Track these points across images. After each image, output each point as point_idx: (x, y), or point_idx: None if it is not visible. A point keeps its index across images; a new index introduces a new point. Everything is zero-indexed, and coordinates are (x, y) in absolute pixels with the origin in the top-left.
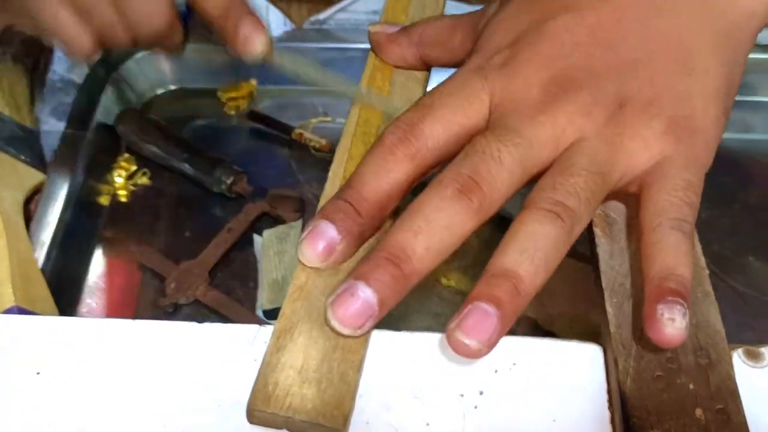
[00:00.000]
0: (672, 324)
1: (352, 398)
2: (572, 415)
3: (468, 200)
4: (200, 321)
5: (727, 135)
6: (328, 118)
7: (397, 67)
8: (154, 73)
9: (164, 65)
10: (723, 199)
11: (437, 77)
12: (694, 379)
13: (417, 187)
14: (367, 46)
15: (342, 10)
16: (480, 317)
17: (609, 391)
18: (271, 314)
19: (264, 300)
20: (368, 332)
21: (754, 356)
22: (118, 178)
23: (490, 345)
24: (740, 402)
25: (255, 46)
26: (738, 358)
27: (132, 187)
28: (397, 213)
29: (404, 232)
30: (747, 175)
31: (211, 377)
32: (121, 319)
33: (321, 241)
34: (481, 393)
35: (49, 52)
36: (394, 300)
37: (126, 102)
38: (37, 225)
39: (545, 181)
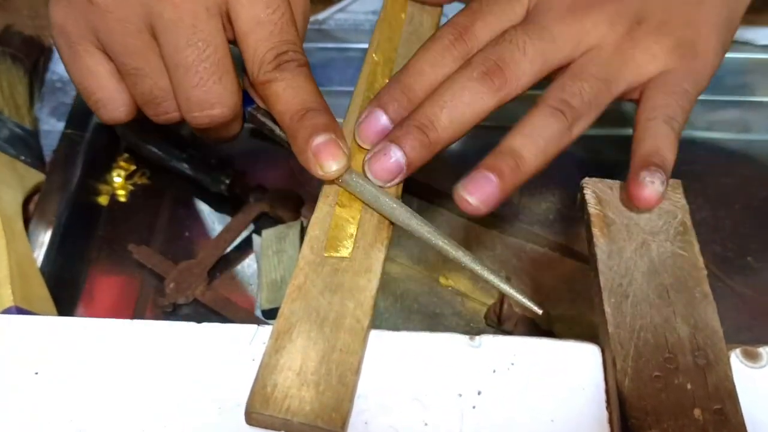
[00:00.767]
0: (652, 185)
1: (350, 400)
2: (570, 415)
3: (491, 82)
4: (199, 321)
5: (727, 135)
6: None
7: None
8: None
9: None
10: (723, 200)
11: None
12: (692, 380)
13: (421, 191)
14: (366, 46)
15: (341, 10)
16: (482, 181)
17: (607, 391)
18: (270, 314)
19: (263, 300)
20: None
21: (752, 356)
22: (117, 178)
23: (487, 205)
24: (738, 402)
25: (326, 167)
26: (736, 359)
27: (131, 187)
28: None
29: (432, 105)
30: (747, 176)
31: (210, 377)
32: (120, 319)
33: (375, 125)
34: (479, 393)
35: (49, 52)
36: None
37: None
38: (36, 225)
39: (557, 82)
